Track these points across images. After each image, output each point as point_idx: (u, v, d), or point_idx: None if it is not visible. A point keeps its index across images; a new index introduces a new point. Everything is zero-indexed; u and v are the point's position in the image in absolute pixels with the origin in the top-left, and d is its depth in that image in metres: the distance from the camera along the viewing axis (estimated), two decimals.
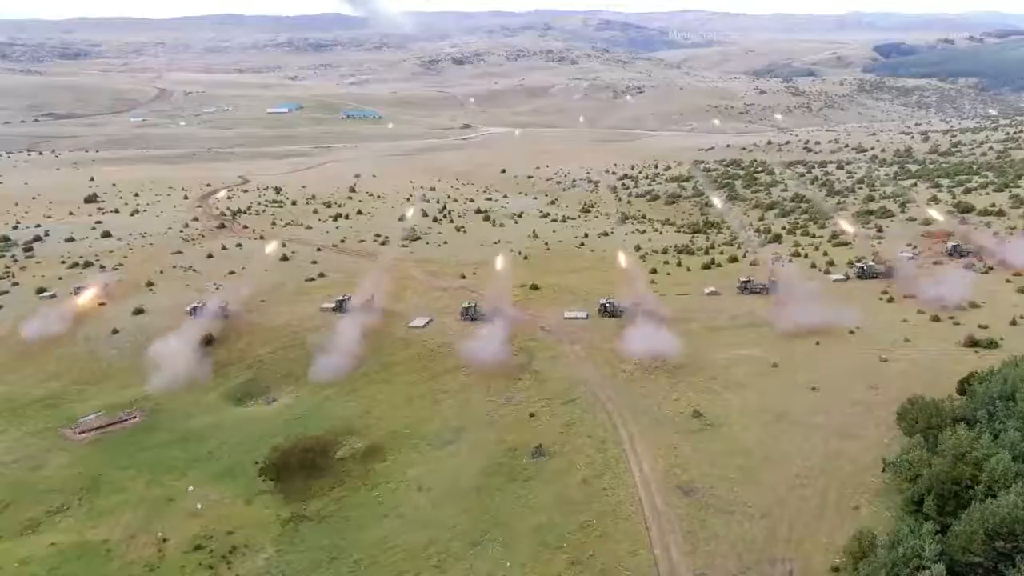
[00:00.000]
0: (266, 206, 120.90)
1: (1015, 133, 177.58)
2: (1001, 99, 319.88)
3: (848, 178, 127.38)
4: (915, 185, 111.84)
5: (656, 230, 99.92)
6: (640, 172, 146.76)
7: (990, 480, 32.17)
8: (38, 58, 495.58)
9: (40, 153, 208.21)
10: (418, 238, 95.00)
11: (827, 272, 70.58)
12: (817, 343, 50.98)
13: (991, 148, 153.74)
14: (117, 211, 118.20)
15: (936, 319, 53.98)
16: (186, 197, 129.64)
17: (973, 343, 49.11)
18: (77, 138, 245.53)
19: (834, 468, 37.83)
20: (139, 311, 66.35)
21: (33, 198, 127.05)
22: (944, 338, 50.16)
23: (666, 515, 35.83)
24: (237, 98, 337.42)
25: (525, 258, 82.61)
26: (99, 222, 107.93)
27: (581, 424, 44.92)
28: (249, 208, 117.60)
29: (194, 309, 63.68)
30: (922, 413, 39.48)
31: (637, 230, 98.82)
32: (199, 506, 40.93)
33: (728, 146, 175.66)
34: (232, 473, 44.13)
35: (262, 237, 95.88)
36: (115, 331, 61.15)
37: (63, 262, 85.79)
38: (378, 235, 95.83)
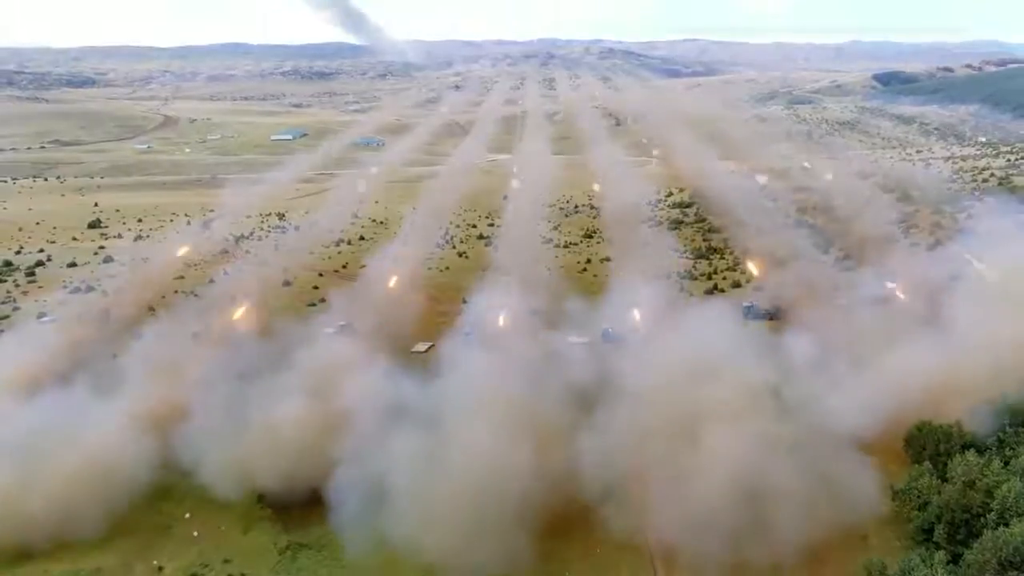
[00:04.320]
0: (269, 231, 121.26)
1: (1016, 160, 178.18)
2: (1002, 127, 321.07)
3: (849, 204, 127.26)
4: (917, 211, 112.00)
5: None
6: (643, 198, 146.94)
7: (1002, 508, 31.71)
8: (45, 85, 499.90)
9: (45, 179, 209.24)
10: (420, 263, 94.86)
11: None
12: None
13: (992, 175, 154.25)
14: (120, 236, 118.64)
15: None
16: (189, 223, 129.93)
17: None
18: (82, 164, 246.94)
19: (842, 495, 37.24)
20: (140, 336, 66.20)
21: (37, 223, 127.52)
22: None
23: (671, 543, 35.26)
24: (242, 125, 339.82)
25: (528, 283, 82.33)
26: (102, 247, 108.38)
27: None
28: (252, 233, 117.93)
29: (196, 335, 63.39)
30: (930, 439, 39.05)
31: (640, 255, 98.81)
32: (195, 534, 40.39)
33: (731, 172, 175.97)
34: (230, 500, 43.57)
35: (264, 263, 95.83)
36: (115, 356, 60.79)
37: (65, 287, 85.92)
38: (381, 260, 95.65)
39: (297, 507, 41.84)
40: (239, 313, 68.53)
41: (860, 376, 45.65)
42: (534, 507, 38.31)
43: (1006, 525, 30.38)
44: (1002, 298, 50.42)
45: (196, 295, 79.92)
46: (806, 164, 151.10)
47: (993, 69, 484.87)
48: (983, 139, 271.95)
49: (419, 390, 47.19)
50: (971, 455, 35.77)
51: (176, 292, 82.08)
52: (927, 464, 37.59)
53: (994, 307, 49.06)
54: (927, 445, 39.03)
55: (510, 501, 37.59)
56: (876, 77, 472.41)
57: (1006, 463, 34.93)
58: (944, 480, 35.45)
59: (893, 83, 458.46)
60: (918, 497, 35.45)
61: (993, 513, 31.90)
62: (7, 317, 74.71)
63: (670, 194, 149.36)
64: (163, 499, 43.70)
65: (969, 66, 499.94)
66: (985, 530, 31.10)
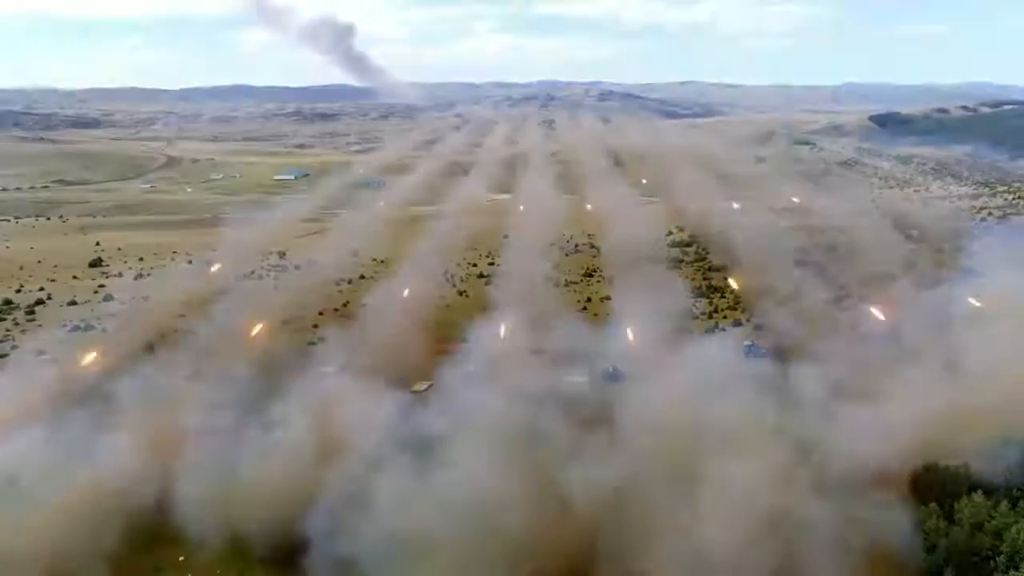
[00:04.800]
0: (269, 270, 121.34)
1: (1013, 200, 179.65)
2: (998, 167, 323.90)
3: (851, 243, 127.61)
4: (918, 249, 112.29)
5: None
6: (643, 237, 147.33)
7: (1011, 551, 31.13)
8: (51, 126, 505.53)
9: (48, 218, 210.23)
10: (420, 302, 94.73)
11: None
12: None
13: (990, 214, 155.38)
14: (121, 275, 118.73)
15: None
16: (190, 262, 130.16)
17: None
18: (86, 204, 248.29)
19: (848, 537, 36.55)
20: (137, 376, 65.81)
21: (38, 262, 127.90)
22: None
23: None
24: (244, 165, 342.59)
25: (528, 321, 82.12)
26: (102, 286, 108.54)
27: None
28: (252, 272, 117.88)
29: (194, 374, 63.09)
30: (936, 480, 38.50)
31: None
32: None
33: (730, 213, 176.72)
34: (224, 543, 42.83)
35: (265, 301, 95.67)
36: (111, 395, 60.32)
37: (64, 325, 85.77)
38: (380, 298, 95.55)
39: (291, 550, 41.06)
40: (238, 352, 68.26)
41: (862, 414, 45.19)
42: (532, 549, 37.53)
43: (1016, 569, 29.83)
44: (1006, 334, 50.17)
45: (195, 334, 79.61)
46: (805, 202, 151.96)
47: (987, 110, 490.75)
48: (980, 178, 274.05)
49: (417, 429, 46.72)
50: (978, 497, 35.27)
51: (176, 331, 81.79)
52: (934, 506, 37.00)
53: (998, 343, 48.75)
54: (934, 486, 38.45)
55: (507, 542, 36.86)
56: (873, 118, 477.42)
57: (1014, 505, 34.39)
58: (951, 522, 34.88)
59: (890, 124, 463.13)
60: (925, 539, 34.81)
61: (1003, 556, 31.33)
62: (5, 356, 74.49)
63: (670, 233, 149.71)
64: (156, 541, 42.98)
65: (964, 107, 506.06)
66: (995, 574, 30.55)
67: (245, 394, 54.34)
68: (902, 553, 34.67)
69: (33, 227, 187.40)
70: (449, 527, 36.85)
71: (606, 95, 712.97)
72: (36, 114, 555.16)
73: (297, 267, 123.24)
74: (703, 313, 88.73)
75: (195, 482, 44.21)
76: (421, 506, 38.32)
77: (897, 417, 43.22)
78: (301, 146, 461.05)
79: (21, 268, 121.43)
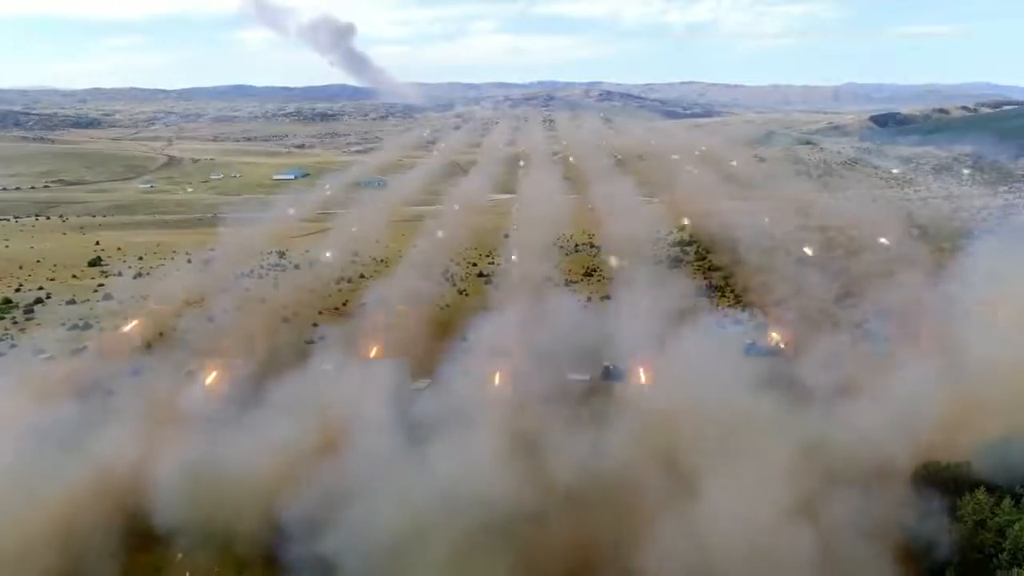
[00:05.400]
0: (269, 270, 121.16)
1: (1014, 199, 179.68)
2: (998, 167, 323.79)
3: (851, 242, 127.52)
4: (918, 248, 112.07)
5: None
6: (644, 236, 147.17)
7: (1014, 548, 30.95)
8: (52, 126, 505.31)
9: (48, 218, 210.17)
10: (420, 301, 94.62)
11: None
12: None
13: (991, 213, 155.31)
14: (120, 274, 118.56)
15: None
16: (189, 261, 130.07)
17: None
18: (85, 203, 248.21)
19: (851, 535, 36.37)
20: (136, 373, 65.73)
21: (37, 261, 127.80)
22: None
23: None
24: (244, 165, 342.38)
25: (529, 320, 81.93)
26: (101, 285, 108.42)
27: None
28: (252, 271, 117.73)
29: (191, 372, 63.05)
30: (938, 477, 38.34)
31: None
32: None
33: (730, 212, 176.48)
34: (224, 543, 42.60)
35: (263, 300, 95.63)
36: (111, 392, 60.23)
37: (63, 324, 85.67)
38: (380, 298, 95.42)
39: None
40: (236, 351, 68.15)
41: (864, 412, 45.02)
42: (528, 550, 37.25)
43: (1019, 566, 29.65)
44: (1007, 331, 50.04)
45: (194, 333, 79.51)
46: (806, 202, 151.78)
47: (988, 111, 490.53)
48: (980, 178, 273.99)
49: (414, 427, 46.60)
50: (980, 494, 35.08)
51: (175, 329, 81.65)
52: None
53: (1000, 340, 48.58)
54: (935, 483, 38.24)
55: (502, 543, 36.59)
56: (873, 118, 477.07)
57: (1017, 502, 34.18)
58: (954, 519, 34.71)
59: (890, 124, 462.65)
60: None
61: (1005, 553, 31.15)
62: (3, 355, 74.31)
63: (670, 232, 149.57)
64: (153, 540, 42.73)
65: (964, 107, 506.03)
66: (998, 571, 30.40)
67: (243, 392, 54.24)
68: (919, 548, 34.50)
69: (33, 227, 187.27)
70: (442, 523, 36.63)
71: (606, 95, 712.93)
72: (37, 114, 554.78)
73: (296, 266, 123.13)
74: (703, 313, 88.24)
75: (193, 481, 43.95)
76: (414, 501, 38.08)
77: (898, 414, 43.08)
78: (301, 146, 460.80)
79: (21, 267, 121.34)
